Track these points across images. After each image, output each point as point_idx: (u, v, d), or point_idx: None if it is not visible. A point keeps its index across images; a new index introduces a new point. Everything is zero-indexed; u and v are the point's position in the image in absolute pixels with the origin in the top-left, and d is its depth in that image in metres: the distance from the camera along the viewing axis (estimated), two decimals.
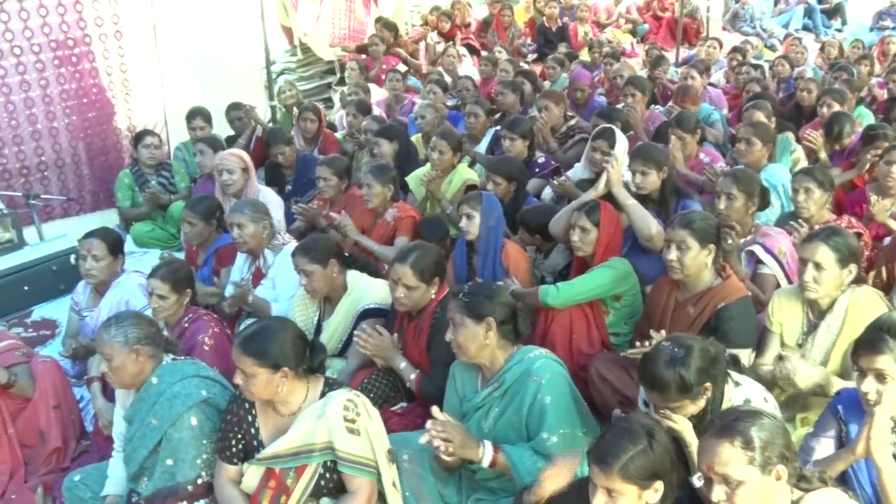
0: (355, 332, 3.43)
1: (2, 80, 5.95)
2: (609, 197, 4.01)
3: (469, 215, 4.09)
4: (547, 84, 8.26)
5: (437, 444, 2.67)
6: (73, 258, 5.06)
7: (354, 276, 3.85)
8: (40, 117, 6.22)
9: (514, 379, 2.90)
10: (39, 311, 5.17)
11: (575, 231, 3.78)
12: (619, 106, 6.12)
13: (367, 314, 3.75)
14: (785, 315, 3.29)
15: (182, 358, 3.14)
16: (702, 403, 2.55)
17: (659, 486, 2.19)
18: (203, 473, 2.91)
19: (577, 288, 3.68)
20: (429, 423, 2.71)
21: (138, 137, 6.18)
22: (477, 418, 2.95)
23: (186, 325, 3.72)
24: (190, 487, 2.89)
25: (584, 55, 9.80)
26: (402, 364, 3.42)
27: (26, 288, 5.12)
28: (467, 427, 2.88)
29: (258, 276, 4.28)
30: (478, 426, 2.94)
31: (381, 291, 3.74)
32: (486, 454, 2.77)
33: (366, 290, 3.82)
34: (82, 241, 4.19)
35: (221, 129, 6.91)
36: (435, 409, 2.78)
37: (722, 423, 2.09)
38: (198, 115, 6.54)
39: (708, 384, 2.52)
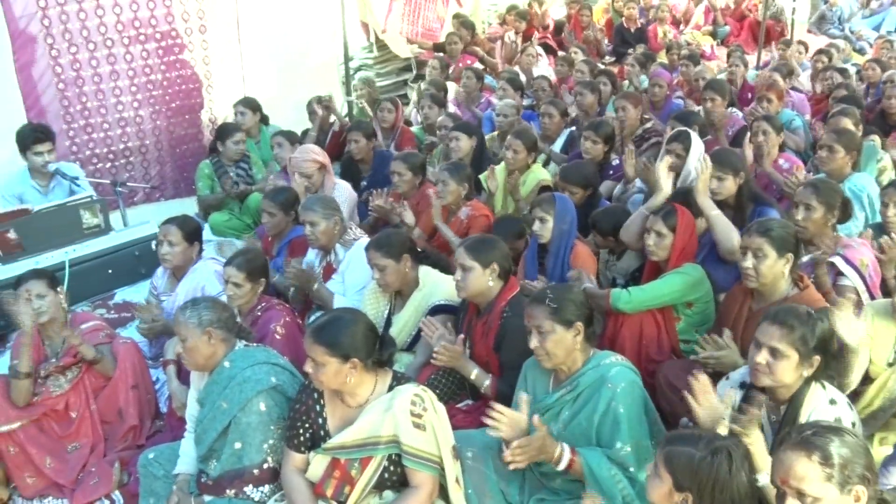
0: (435, 349, 3.39)
1: (94, 70, 6.22)
2: (684, 200, 3.92)
3: (542, 219, 4.08)
4: (624, 85, 8.14)
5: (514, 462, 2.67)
6: (154, 244, 5.24)
7: (426, 272, 3.89)
8: (127, 106, 6.48)
9: (588, 384, 2.89)
10: (121, 294, 5.35)
11: (650, 235, 3.73)
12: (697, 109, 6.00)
13: (437, 310, 3.78)
14: (877, 331, 3.14)
15: (254, 345, 3.21)
16: (801, 373, 2.56)
17: (688, 496, 2.15)
18: (269, 458, 2.98)
19: (648, 293, 3.64)
20: (510, 448, 2.68)
21: (226, 133, 6.32)
22: (546, 419, 2.93)
23: (259, 313, 3.79)
24: (256, 471, 2.97)
25: (662, 57, 9.63)
26: (475, 372, 3.38)
27: (110, 271, 5.30)
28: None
29: (329, 271, 4.33)
30: (549, 428, 2.91)
31: (452, 288, 3.74)
32: (563, 458, 2.76)
33: (437, 285, 3.85)
34: (161, 227, 4.34)
35: (300, 123, 7.05)
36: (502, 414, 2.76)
37: (800, 437, 2.03)
38: (240, 102, 6.68)
39: (818, 357, 2.53)
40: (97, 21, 6.13)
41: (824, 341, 2.60)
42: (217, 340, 3.06)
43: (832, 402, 2.58)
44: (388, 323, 3.91)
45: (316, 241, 4.32)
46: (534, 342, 2.89)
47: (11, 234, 4.90)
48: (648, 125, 5.99)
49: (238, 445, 2.99)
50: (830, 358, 2.66)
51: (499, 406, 2.80)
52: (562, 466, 2.77)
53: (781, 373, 2.56)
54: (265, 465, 2.99)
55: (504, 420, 2.78)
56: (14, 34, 5.80)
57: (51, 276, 3.77)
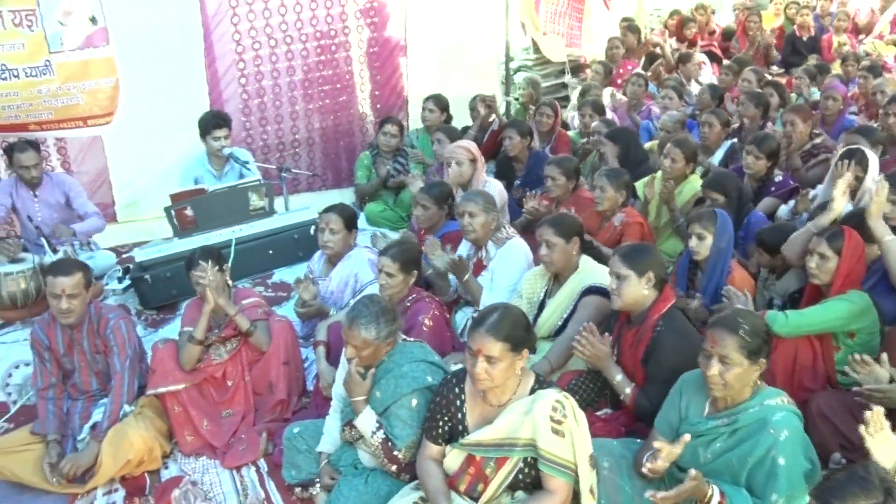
0: (575, 337, 3.37)
1: (273, 65, 6.63)
2: (857, 223, 3.70)
3: (700, 235, 3.94)
4: (793, 97, 7.73)
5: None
6: (312, 229, 5.51)
7: (586, 259, 3.91)
8: (299, 99, 6.86)
9: (748, 422, 2.71)
10: (279, 274, 5.64)
11: (812, 257, 3.54)
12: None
13: (590, 291, 3.76)
14: None
15: (411, 340, 3.30)
16: None
17: None
18: (405, 449, 3.03)
19: (807, 318, 3.46)
20: (659, 498, 2.58)
21: (381, 123, 6.60)
22: (695, 444, 2.82)
23: (409, 304, 3.89)
24: (398, 455, 3.05)
25: (836, 68, 9.05)
26: (619, 377, 3.33)
27: (271, 252, 5.61)
28: (685, 453, 2.73)
29: (479, 268, 4.37)
30: (693, 452, 2.81)
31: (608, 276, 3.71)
32: (713, 499, 2.61)
33: (594, 270, 3.86)
34: (322, 215, 4.53)
35: (458, 120, 7.17)
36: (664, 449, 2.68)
37: None
38: (431, 99, 6.81)
39: None
40: (279, 19, 6.53)
41: None
42: (388, 346, 3.14)
43: None
44: (542, 305, 3.93)
45: (472, 233, 4.34)
46: (713, 370, 2.69)
47: (188, 212, 5.30)
48: (818, 141, 5.67)
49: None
50: None
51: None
52: None
53: None
54: (398, 455, 3.05)
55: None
56: (207, 32, 6.27)
57: (217, 254, 4.03)
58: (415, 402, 3.05)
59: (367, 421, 3.05)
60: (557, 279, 3.92)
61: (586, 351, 3.33)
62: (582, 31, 9.70)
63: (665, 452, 2.66)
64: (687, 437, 2.68)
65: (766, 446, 2.62)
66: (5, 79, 5.28)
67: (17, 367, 4.51)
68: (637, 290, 3.32)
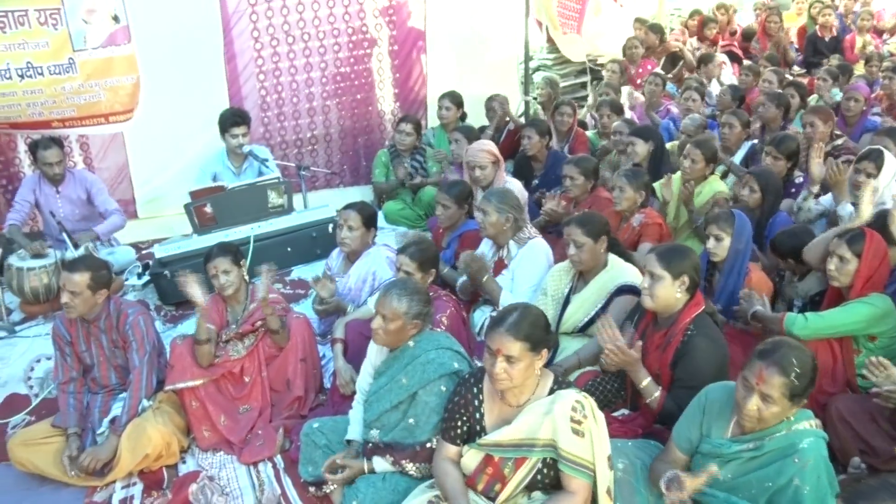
0: (606, 347, 3.30)
1: (290, 62, 6.67)
2: (881, 226, 3.66)
3: (718, 236, 3.92)
4: (814, 98, 7.66)
5: None
6: (331, 227, 5.53)
7: (614, 257, 3.91)
8: (316, 95, 6.88)
9: (774, 448, 2.64)
10: (297, 272, 5.66)
11: (832, 259, 3.51)
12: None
13: (622, 290, 3.77)
14: None
15: (437, 329, 3.34)
16: None
17: None
18: (434, 439, 3.06)
19: (827, 321, 3.44)
20: None
21: (397, 122, 6.62)
22: (713, 462, 2.72)
23: None
24: (418, 448, 3.09)
25: (859, 69, 8.95)
26: (646, 381, 3.27)
27: (289, 249, 5.63)
28: (702, 467, 2.69)
29: (500, 267, 4.36)
30: None
31: (637, 275, 3.70)
32: None
33: (624, 269, 3.87)
34: (341, 212, 4.55)
35: (477, 119, 7.16)
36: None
37: None
38: (447, 97, 6.80)
39: None
40: (297, 17, 6.56)
41: None
42: (414, 328, 3.20)
43: None
44: (567, 302, 3.93)
45: (483, 231, 4.38)
46: (752, 405, 2.60)
47: (208, 209, 5.35)
48: (839, 142, 5.62)
49: (412, 421, 3.12)
50: None
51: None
52: None
53: None
54: (428, 444, 3.08)
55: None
56: (226, 29, 6.33)
57: (235, 251, 4.05)
58: (443, 388, 3.07)
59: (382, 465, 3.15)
60: (583, 276, 3.93)
61: (616, 360, 3.27)
62: (583, 21, 9.58)
63: (689, 484, 2.60)
64: (714, 468, 2.59)
65: (789, 475, 2.56)
66: (30, 76, 5.35)
67: (38, 360, 4.56)
68: (670, 292, 3.27)
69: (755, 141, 5.99)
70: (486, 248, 4.56)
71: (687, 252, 3.37)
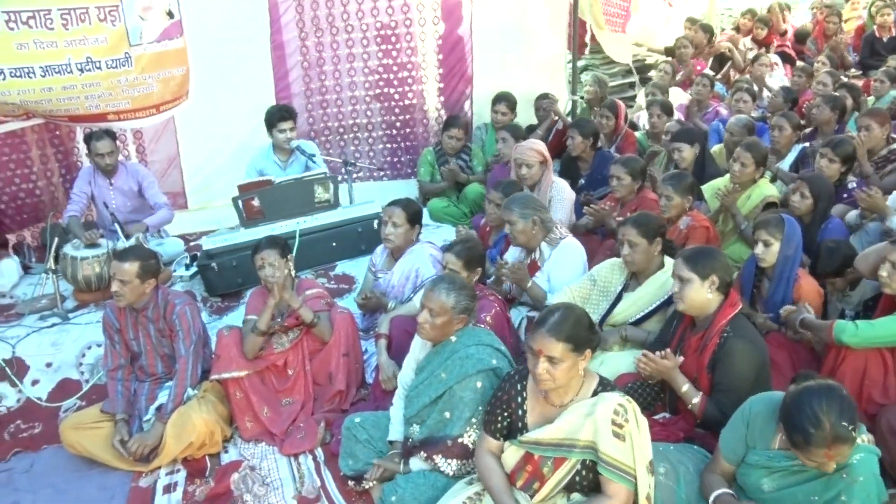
0: (638, 359, 3.36)
1: (334, 52, 6.78)
2: None
3: (767, 242, 3.84)
4: (870, 101, 7.45)
5: None
6: (376, 224, 5.56)
7: (670, 259, 3.86)
8: (359, 86, 6.96)
9: None
10: (342, 267, 5.69)
11: (885, 265, 3.41)
12: None
13: None
14: None
15: (480, 326, 3.36)
16: None
17: None
18: (466, 435, 3.08)
19: (878, 330, 3.33)
20: None
21: (445, 124, 6.61)
22: (759, 475, 2.75)
23: None
24: (450, 443, 3.10)
25: None
26: (686, 386, 3.26)
27: (334, 244, 5.67)
28: (749, 477, 2.69)
29: (533, 269, 4.32)
30: (758, 482, 2.75)
31: None
32: None
33: None
34: (386, 208, 4.57)
35: (524, 117, 7.13)
36: None
37: None
38: (503, 101, 6.77)
39: None
40: (341, 8, 6.65)
41: None
42: (459, 323, 3.23)
43: None
44: (618, 299, 3.93)
45: (514, 240, 4.33)
46: (830, 469, 2.56)
47: (255, 202, 5.42)
48: (895, 146, 5.47)
49: (447, 415, 3.14)
50: None
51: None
52: None
53: None
54: (460, 440, 3.09)
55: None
56: (273, 18, 6.43)
57: (283, 245, 4.08)
58: (479, 384, 3.08)
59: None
60: (636, 275, 3.92)
61: (650, 371, 3.30)
62: (629, 19, 9.35)
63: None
64: None
65: (836, 490, 2.53)
66: (89, 70, 5.49)
67: (90, 347, 4.67)
68: (700, 294, 3.27)
69: (806, 144, 5.86)
70: (516, 252, 4.49)
71: (713, 252, 3.38)
